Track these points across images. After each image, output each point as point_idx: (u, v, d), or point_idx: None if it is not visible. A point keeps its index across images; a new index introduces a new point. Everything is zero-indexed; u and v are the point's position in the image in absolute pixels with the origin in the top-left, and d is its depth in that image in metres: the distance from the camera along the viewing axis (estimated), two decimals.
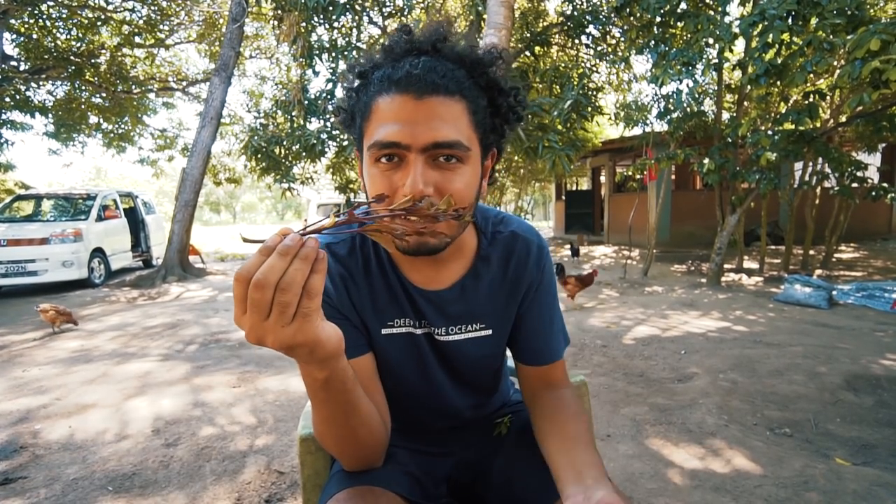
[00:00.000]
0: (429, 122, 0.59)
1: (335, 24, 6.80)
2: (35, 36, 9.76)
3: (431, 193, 0.59)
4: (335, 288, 0.71)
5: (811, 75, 4.65)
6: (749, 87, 4.93)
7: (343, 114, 0.69)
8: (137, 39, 11.18)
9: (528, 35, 7.58)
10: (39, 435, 2.22)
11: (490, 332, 0.77)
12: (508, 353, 0.86)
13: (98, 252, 7.13)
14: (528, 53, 7.60)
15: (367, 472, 0.71)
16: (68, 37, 10.33)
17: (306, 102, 6.70)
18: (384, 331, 0.74)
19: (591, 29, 7.26)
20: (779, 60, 4.37)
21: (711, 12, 5.35)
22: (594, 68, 8.20)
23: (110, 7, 10.32)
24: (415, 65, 0.60)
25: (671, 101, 5.56)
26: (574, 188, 18.85)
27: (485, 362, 0.80)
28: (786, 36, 4.26)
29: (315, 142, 6.43)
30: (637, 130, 7.25)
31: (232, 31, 7.70)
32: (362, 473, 0.71)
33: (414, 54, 0.63)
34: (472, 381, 0.82)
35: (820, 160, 6.17)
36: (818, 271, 6.39)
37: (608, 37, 7.57)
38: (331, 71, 6.66)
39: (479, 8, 5.74)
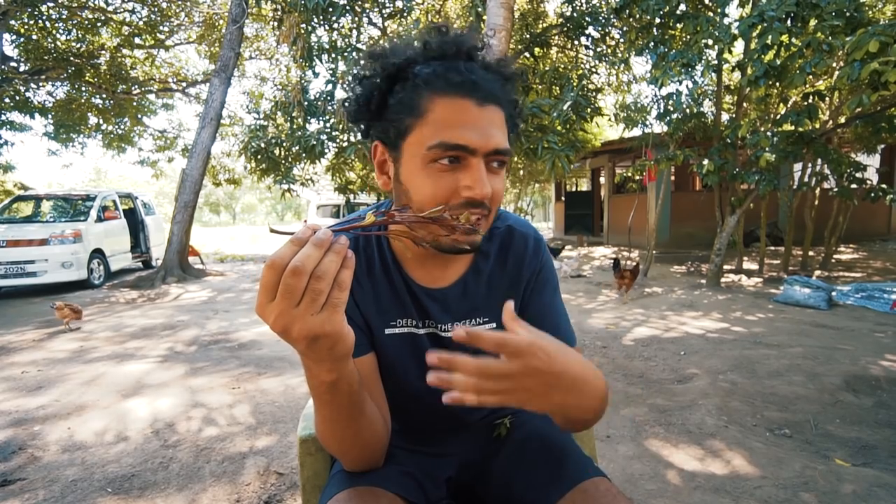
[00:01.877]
0: (490, 128, 0.62)
1: (335, 26, 6.81)
2: (35, 37, 9.75)
3: (491, 195, 0.63)
4: None
5: (810, 77, 4.67)
6: (748, 88, 4.93)
7: (363, 103, 0.67)
8: (137, 40, 11.19)
9: (528, 36, 7.59)
10: (38, 436, 2.21)
11: (493, 325, 0.78)
12: None
13: (97, 253, 7.13)
14: (527, 55, 7.61)
15: (367, 473, 0.71)
16: (68, 38, 10.33)
17: (306, 103, 6.71)
18: (387, 331, 0.75)
19: (590, 30, 7.26)
20: (778, 62, 4.38)
21: (711, 14, 5.35)
22: (594, 69, 8.20)
23: (110, 8, 10.33)
24: (470, 70, 0.63)
25: (671, 102, 5.56)
26: (574, 189, 18.87)
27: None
28: (785, 37, 4.27)
29: (315, 143, 6.43)
30: (636, 131, 7.27)
31: (232, 32, 7.71)
32: (362, 474, 0.71)
33: (462, 59, 0.65)
34: None
35: (819, 161, 6.19)
36: (817, 272, 6.39)
37: (608, 38, 7.57)
38: (330, 72, 6.66)
39: (479, 9, 5.74)
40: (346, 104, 0.70)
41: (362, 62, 0.69)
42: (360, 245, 0.75)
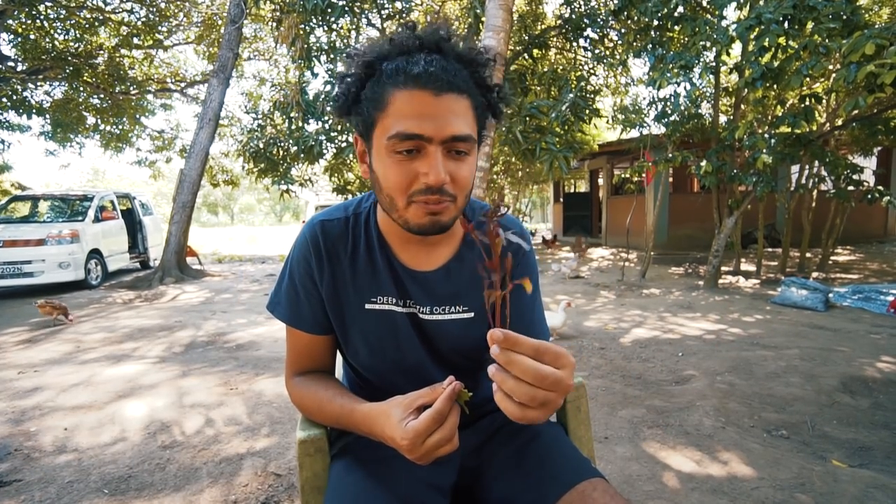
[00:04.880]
0: (447, 116, 0.64)
1: (334, 27, 6.81)
2: (33, 36, 9.71)
3: (449, 181, 0.65)
4: (320, 262, 0.77)
5: (807, 79, 4.68)
6: (746, 90, 4.95)
7: (343, 99, 0.71)
8: (136, 40, 11.15)
9: (527, 38, 7.60)
10: (34, 437, 2.20)
11: (472, 314, 0.80)
12: None
13: (95, 253, 7.10)
14: (526, 56, 7.62)
15: (368, 477, 0.74)
16: (66, 37, 10.29)
17: (304, 104, 6.71)
18: (367, 305, 0.78)
19: (589, 32, 7.28)
20: (775, 64, 4.39)
21: (709, 16, 5.37)
22: (592, 71, 8.22)
23: (108, 8, 10.30)
24: (430, 62, 0.65)
25: (668, 103, 5.58)
26: (572, 190, 18.89)
27: (465, 343, 0.81)
28: (782, 40, 4.29)
29: (313, 143, 6.44)
30: (634, 133, 7.28)
31: (230, 32, 7.70)
32: (362, 479, 0.73)
33: (424, 51, 0.67)
34: (451, 361, 0.83)
35: (816, 163, 6.21)
36: (815, 274, 6.41)
37: (606, 40, 7.60)
38: (329, 73, 6.66)
39: (478, 10, 5.76)
40: (331, 101, 0.75)
41: (343, 62, 0.73)
42: (349, 224, 0.79)
